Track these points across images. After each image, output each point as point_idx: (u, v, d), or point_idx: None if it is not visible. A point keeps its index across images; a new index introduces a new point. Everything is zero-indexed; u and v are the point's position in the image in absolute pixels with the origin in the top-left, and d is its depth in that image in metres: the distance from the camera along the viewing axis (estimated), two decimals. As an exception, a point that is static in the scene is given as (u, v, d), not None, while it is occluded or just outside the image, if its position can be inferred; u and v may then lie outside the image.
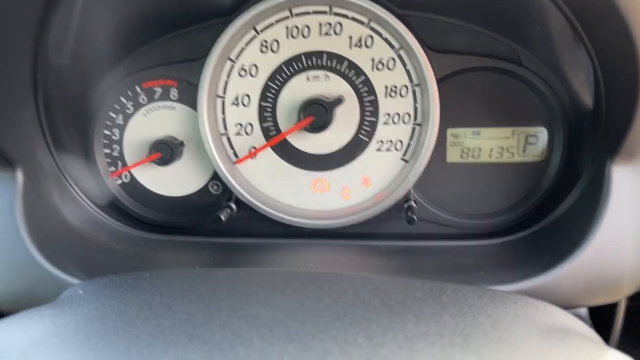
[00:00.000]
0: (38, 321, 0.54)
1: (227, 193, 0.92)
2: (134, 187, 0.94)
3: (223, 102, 0.90)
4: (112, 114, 0.93)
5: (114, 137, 0.93)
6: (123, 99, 0.92)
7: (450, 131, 0.89)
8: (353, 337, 0.47)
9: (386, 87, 0.87)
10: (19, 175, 0.75)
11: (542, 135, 0.87)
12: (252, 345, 0.45)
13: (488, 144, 0.88)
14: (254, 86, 0.89)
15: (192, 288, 0.57)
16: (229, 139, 0.91)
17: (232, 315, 0.51)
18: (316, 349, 0.45)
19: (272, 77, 0.89)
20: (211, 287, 0.58)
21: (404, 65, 0.86)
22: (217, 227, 0.91)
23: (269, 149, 0.91)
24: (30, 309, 0.57)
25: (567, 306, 0.70)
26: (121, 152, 0.93)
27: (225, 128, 0.91)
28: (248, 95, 0.90)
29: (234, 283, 0.59)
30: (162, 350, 0.45)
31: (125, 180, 0.94)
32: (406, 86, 0.87)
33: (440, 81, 0.85)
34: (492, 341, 0.49)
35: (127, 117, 0.93)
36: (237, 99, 0.90)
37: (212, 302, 0.54)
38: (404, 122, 0.88)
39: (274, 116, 0.90)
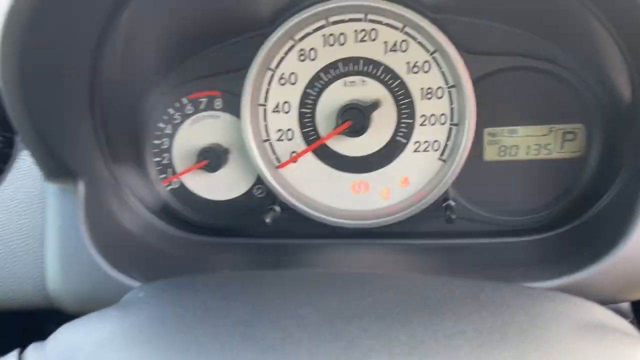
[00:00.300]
0: (105, 322, 0.59)
1: (271, 196, 0.96)
2: (183, 193, 0.99)
3: (265, 110, 0.94)
4: (161, 125, 0.98)
5: (163, 146, 0.99)
6: (171, 110, 0.98)
7: (487, 130, 0.90)
8: (395, 334, 0.50)
9: (422, 90, 0.89)
10: (81, 186, 0.81)
11: (579, 132, 0.87)
12: (301, 344, 0.49)
13: (525, 142, 0.89)
14: (294, 93, 0.93)
15: (244, 290, 0.61)
16: (271, 144, 0.95)
17: (282, 316, 0.55)
18: (361, 346, 0.48)
19: (310, 84, 0.92)
20: (261, 289, 0.62)
21: (439, 67, 0.88)
22: (263, 229, 0.95)
23: (309, 153, 0.94)
24: (97, 312, 0.62)
25: (608, 301, 0.71)
26: (171, 160, 0.99)
27: (268, 134, 0.95)
28: (288, 103, 0.94)
29: (282, 285, 0.63)
30: (218, 348, 0.49)
31: (175, 187, 1.00)
32: (442, 88, 0.89)
33: (475, 82, 0.86)
34: (529, 338, 0.51)
35: (175, 127, 0.98)
36: (277, 106, 0.94)
37: (263, 303, 0.58)
38: (440, 122, 0.90)
39: (313, 122, 0.93)
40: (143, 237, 0.91)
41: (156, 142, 0.99)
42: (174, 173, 0.99)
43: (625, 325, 0.59)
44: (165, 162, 0.99)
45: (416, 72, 0.89)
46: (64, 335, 0.59)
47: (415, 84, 0.89)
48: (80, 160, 0.83)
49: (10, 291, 0.83)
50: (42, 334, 0.62)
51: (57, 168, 0.79)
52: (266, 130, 0.95)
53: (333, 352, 0.47)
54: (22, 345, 0.61)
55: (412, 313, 0.55)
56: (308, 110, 0.93)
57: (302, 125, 0.94)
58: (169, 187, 1.00)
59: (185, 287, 0.64)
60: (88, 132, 0.85)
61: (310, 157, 0.95)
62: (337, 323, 0.53)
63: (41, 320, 0.95)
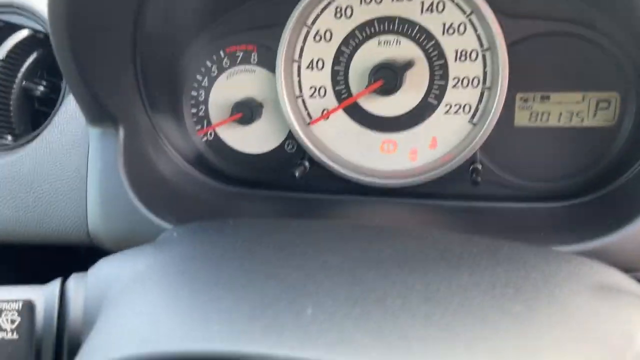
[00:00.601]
0: (141, 257, 0.63)
1: (301, 151, 0.98)
2: (217, 144, 1.03)
3: (299, 66, 0.96)
4: (198, 77, 1.01)
5: (200, 99, 1.02)
6: (208, 63, 1.00)
7: (519, 95, 0.90)
8: (411, 282, 0.53)
9: (456, 51, 0.89)
10: (121, 132, 0.85)
11: (614, 100, 0.86)
12: (322, 285, 0.52)
13: (557, 108, 0.89)
14: (328, 51, 0.94)
15: (271, 235, 0.65)
16: (303, 101, 0.97)
17: (305, 259, 0.58)
18: (377, 290, 0.51)
19: (345, 42, 0.93)
20: (287, 235, 0.65)
21: (475, 30, 0.88)
22: (292, 183, 0.98)
23: (340, 111, 0.96)
24: (133, 248, 0.67)
25: (629, 269, 0.72)
26: (206, 112, 1.02)
27: (301, 91, 0.97)
28: (322, 60, 0.95)
29: (308, 232, 0.66)
30: (243, 284, 0.53)
31: (210, 138, 1.03)
32: (476, 50, 0.88)
33: (511, 45, 0.86)
34: (542, 294, 0.53)
35: (211, 80, 1.01)
36: (311, 63, 0.95)
37: (288, 247, 0.61)
38: (473, 85, 0.90)
39: (346, 80, 0.95)
40: (178, 184, 0.96)
41: (193, 93, 1.02)
42: (209, 124, 1.02)
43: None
44: (201, 113, 1.02)
45: (451, 34, 0.89)
46: (103, 267, 0.64)
47: (449, 45, 0.89)
48: (121, 107, 0.86)
49: (54, 227, 0.89)
50: (82, 268, 0.67)
51: (99, 112, 0.83)
52: (299, 87, 0.97)
53: (351, 294, 0.50)
54: (64, 276, 0.67)
55: (429, 264, 0.57)
56: (341, 68, 0.94)
57: (335, 82, 0.95)
58: (204, 138, 1.03)
59: (216, 230, 0.68)
60: (129, 80, 0.88)
61: (341, 115, 0.96)
62: (357, 269, 0.55)
63: (80, 255, 1.01)
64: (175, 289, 0.53)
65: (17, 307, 0.62)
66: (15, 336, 0.60)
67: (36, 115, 0.98)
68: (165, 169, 0.94)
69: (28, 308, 0.61)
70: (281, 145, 1.01)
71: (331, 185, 0.98)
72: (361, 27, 0.92)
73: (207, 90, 1.01)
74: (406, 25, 0.90)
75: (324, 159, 0.97)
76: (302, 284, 0.53)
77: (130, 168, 0.85)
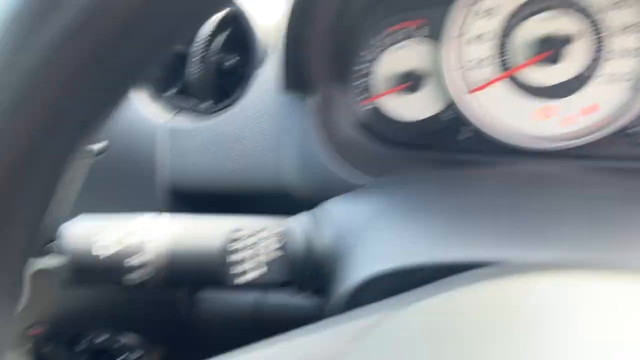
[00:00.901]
0: (370, 196, 0.77)
1: (460, 117, 1.09)
2: (380, 112, 1.15)
3: (462, 40, 1.06)
4: (364, 52, 1.13)
5: (365, 72, 1.14)
6: (374, 39, 1.12)
7: (677, 65, 0.96)
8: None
9: (619, 24, 0.96)
10: (310, 98, 1.00)
11: None
12: (528, 227, 0.63)
13: None
14: (491, 25, 1.03)
15: (470, 181, 0.77)
16: (465, 71, 1.07)
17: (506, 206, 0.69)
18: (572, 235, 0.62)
19: (507, 18, 1.02)
20: (481, 186, 0.77)
21: (638, 3, 0.95)
22: (450, 145, 1.09)
23: (499, 81, 1.05)
24: (356, 191, 0.80)
25: None
26: (370, 84, 1.14)
27: (463, 62, 1.07)
28: (485, 34, 1.04)
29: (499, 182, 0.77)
30: (480, 210, 0.65)
31: (374, 107, 1.15)
32: (638, 23, 0.95)
33: (674, 17, 0.93)
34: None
35: (377, 54, 1.12)
36: (475, 36, 1.05)
37: (491, 190, 0.73)
38: (633, 56, 0.97)
39: (507, 52, 1.04)
40: (350, 147, 1.09)
41: (359, 67, 1.14)
42: (373, 95, 1.14)
43: None
44: (366, 85, 1.14)
45: (616, 8, 0.96)
46: (335, 205, 0.78)
47: (612, 19, 0.96)
48: (311, 76, 1.01)
49: (255, 179, 1.05)
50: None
51: (296, 81, 0.99)
52: (462, 59, 1.07)
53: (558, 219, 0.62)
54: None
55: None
56: (503, 42, 1.04)
57: (496, 54, 1.05)
58: (369, 107, 1.15)
59: (425, 180, 0.81)
60: (320, 53, 1.02)
61: (499, 85, 1.06)
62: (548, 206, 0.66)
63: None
64: (422, 214, 0.66)
65: (272, 235, 0.76)
66: (266, 268, 0.73)
67: (229, 84, 1.13)
68: (341, 133, 1.08)
69: (282, 235, 0.76)
70: (441, 112, 1.11)
71: (487, 147, 1.08)
72: (525, 3, 1.01)
73: (372, 63, 1.13)
74: (570, 1, 0.98)
75: (481, 124, 1.06)
76: (510, 228, 0.64)
77: (318, 130, 1.00)
